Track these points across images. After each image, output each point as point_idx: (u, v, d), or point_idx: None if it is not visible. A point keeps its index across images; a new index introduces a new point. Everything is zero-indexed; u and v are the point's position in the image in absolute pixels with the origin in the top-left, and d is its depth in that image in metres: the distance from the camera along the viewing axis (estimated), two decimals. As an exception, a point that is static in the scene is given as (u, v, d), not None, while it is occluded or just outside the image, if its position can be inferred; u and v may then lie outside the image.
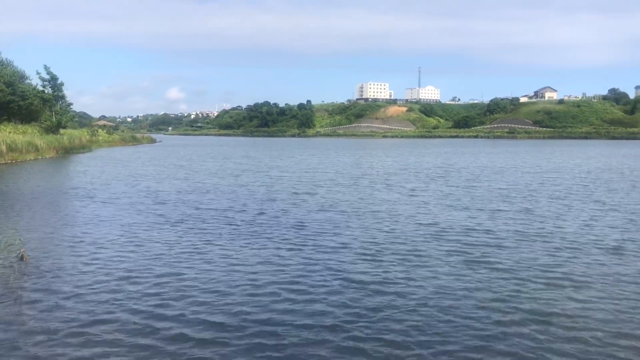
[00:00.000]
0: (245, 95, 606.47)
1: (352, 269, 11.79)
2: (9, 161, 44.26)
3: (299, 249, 13.64)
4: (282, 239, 14.82)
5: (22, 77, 76.75)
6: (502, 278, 11.09)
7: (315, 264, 12.18)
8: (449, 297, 9.92)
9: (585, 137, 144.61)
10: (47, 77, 72.02)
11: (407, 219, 18.07)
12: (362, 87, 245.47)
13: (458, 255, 13.02)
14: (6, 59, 74.55)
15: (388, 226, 16.72)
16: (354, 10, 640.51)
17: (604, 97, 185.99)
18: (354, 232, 15.87)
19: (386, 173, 36.67)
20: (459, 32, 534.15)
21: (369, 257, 12.81)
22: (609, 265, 12.08)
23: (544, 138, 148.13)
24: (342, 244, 14.28)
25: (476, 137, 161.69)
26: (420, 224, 17.07)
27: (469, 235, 15.24)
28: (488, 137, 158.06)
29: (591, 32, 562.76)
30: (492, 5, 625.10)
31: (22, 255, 12.43)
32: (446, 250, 13.46)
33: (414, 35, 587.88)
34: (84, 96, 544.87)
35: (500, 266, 12.00)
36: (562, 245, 14.01)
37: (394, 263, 12.29)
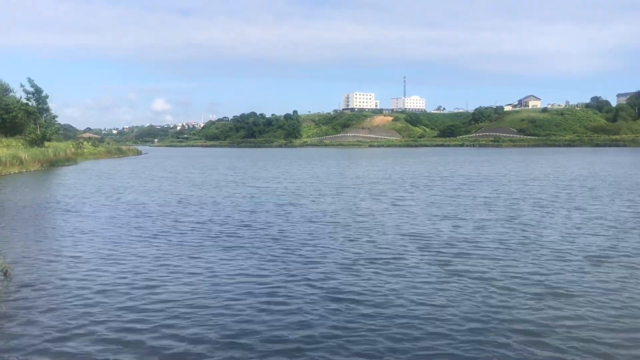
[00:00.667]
0: (231, 106, 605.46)
1: (332, 281, 11.79)
2: (-8, 174, 43.85)
3: (280, 261, 13.63)
4: (263, 251, 14.79)
5: (6, 90, 76.26)
6: (484, 288, 11.14)
7: (295, 276, 12.17)
8: (430, 308, 9.94)
9: (569, 145, 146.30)
10: (31, 89, 71.73)
11: (389, 228, 18.13)
12: (348, 97, 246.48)
13: (439, 265, 13.06)
14: (-11, 72, 74.24)
15: (370, 236, 16.76)
16: (338, 21, 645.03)
17: (587, 105, 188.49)
18: (336, 242, 15.89)
19: (371, 182, 36.84)
20: (443, 42, 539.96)
21: (349, 268, 12.82)
22: (592, 274, 12.16)
23: (528, 146, 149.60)
24: (323, 255, 14.28)
25: (462, 145, 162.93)
26: (402, 233, 17.14)
27: (452, 246, 15.29)
28: (473, 146, 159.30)
29: (573, 41, 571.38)
30: (476, 16, 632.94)
31: (5, 270, 12.35)
32: (428, 260, 13.50)
33: (399, 45, 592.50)
34: (69, 108, 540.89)
35: (483, 276, 12.05)
36: (545, 254, 14.11)
37: (375, 273, 12.32)
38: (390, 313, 9.67)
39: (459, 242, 15.77)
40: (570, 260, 13.39)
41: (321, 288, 11.22)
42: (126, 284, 11.62)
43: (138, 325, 9.13)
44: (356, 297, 10.56)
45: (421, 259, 13.65)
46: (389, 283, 11.54)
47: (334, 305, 10.12)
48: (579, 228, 17.98)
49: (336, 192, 30.74)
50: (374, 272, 12.42)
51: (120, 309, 9.97)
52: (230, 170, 54.74)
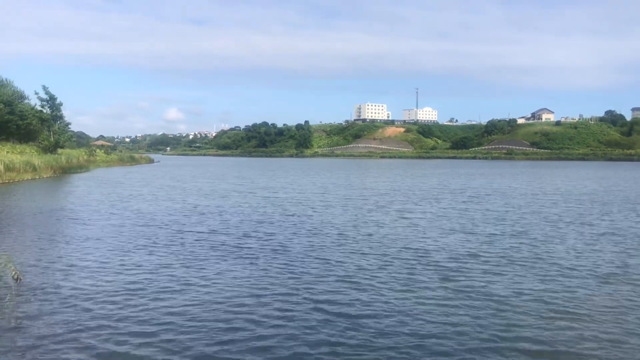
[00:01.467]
0: (243, 115, 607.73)
1: (333, 296, 11.72)
2: (7, 181, 44.35)
3: (282, 274, 13.59)
4: (265, 263, 14.75)
5: (21, 97, 77.36)
6: (489, 305, 11.03)
7: (296, 290, 12.09)
8: (433, 326, 9.83)
9: (583, 159, 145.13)
10: (45, 97, 72.67)
11: (394, 242, 18.00)
12: (359, 108, 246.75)
13: (444, 280, 12.95)
14: (6, 79, 75.34)
15: (375, 250, 16.65)
16: (350, 32, 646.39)
17: (601, 119, 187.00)
18: (340, 256, 15.82)
19: (379, 194, 36.75)
20: (456, 54, 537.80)
21: (352, 283, 12.73)
22: (601, 293, 11.97)
23: (541, 159, 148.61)
24: (326, 269, 14.17)
25: (474, 158, 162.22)
26: (408, 247, 17.03)
27: (456, 260, 15.16)
28: (486, 158, 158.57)
29: (587, 54, 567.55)
30: (488, 28, 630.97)
31: (17, 276, 12.49)
32: (433, 277, 13.37)
33: (411, 57, 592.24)
34: (82, 116, 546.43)
35: (490, 293, 11.91)
36: (552, 272, 13.93)
37: (377, 288, 12.23)
38: (391, 330, 9.58)
39: (464, 257, 15.63)
40: (578, 278, 13.21)
41: (322, 305, 11.13)
42: (134, 292, 11.67)
43: (146, 338, 9.15)
44: (357, 312, 10.49)
45: (426, 274, 13.54)
46: (394, 299, 11.44)
47: (333, 319, 10.06)
48: (589, 245, 17.75)
49: (344, 203, 30.67)
50: (376, 287, 12.33)
51: (127, 317, 10.03)
52: (239, 179, 54.89)
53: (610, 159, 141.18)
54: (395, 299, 11.43)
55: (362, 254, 16.08)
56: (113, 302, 10.98)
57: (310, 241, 18.15)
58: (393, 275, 13.46)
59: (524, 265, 14.62)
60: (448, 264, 14.76)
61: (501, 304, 11.04)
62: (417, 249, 16.86)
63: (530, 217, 24.47)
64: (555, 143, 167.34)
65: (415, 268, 14.22)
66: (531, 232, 20.16)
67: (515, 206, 29.30)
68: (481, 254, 16.10)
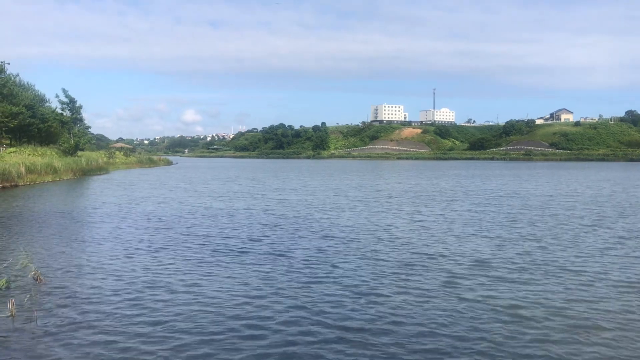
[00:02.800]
0: (260, 117, 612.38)
1: (338, 304, 11.60)
2: (28, 183, 45.27)
3: (288, 280, 13.59)
4: (271, 268, 14.74)
5: (42, 100, 78.86)
6: (497, 317, 10.89)
7: (301, 297, 12.06)
8: (444, 338, 9.59)
9: (602, 160, 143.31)
10: (65, 100, 73.71)
11: (404, 246, 17.81)
12: (376, 109, 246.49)
13: (453, 288, 12.73)
14: (27, 83, 76.84)
15: (385, 254, 16.52)
16: (366, 33, 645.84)
17: (621, 119, 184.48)
18: (348, 260, 15.75)
19: (391, 196, 36.75)
20: (473, 54, 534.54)
21: (360, 289, 12.66)
22: (618, 302, 11.71)
23: (560, 160, 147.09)
24: (334, 274, 14.00)
25: (492, 159, 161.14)
26: (417, 252, 16.83)
27: (470, 268, 14.87)
28: (504, 159, 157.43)
29: (606, 54, 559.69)
30: (504, 28, 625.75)
31: (37, 276, 12.90)
32: (442, 283, 12.95)
33: (428, 57, 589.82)
34: (101, 118, 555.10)
35: (501, 302, 11.64)
36: (568, 279, 13.59)
37: (386, 297, 12.14)
38: (401, 341, 9.58)
39: (476, 262, 15.44)
40: (595, 287, 12.93)
41: (325, 312, 11.14)
42: (152, 293, 11.95)
43: (161, 338, 9.42)
44: (365, 319, 10.56)
45: (435, 282, 13.40)
46: (403, 306, 11.40)
47: (340, 333, 10.13)
48: (606, 252, 17.59)
49: (356, 205, 30.75)
50: (385, 293, 12.32)
51: (144, 317, 10.31)
52: (253, 182, 55.25)
53: (631, 160, 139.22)
54: (404, 306, 11.43)
55: (372, 258, 16.12)
56: (132, 303, 11.23)
57: (318, 244, 18.27)
58: (401, 280, 13.47)
59: (536, 272, 14.57)
60: (458, 269, 14.62)
61: (513, 313, 11.01)
62: (427, 253, 16.64)
63: (547, 222, 24.30)
64: (574, 144, 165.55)
65: (425, 273, 14.13)
66: (545, 237, 20.06)
67: (531, 208, 29.08)
68: (492, 259, 16.06)
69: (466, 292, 12.13)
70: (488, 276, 13.57)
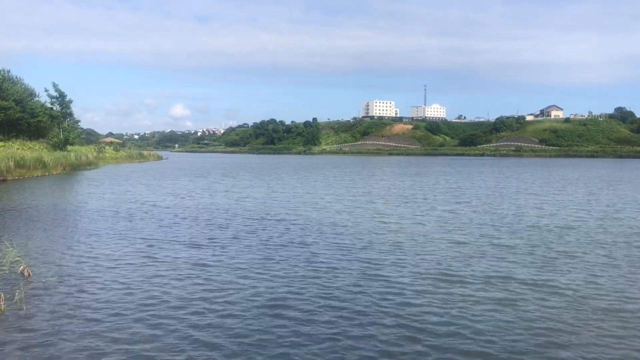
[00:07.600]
0: (249, 112, 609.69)
1: (319, 306, 11.09)
2: (17, 177, 44.92)
3: (270, 280, 13.35)
4: (251, 269, 14.29)
5: (32, 94, 77.95)
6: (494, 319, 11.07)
7: (280, 300, 11.32)
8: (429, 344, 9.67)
9: (592, 156, 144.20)
10: (55, 94, 73.12)
11: (392, 247, 17.50)
12: (367, 105, 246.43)
13: (439, 294, 12.23)
14: (16, 77, 75.81)
15: (368, 255, 15.88)
16: (355, 29, 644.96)
17: (611, 116, 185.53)
18: (330, 260, 15.47)
19: (380, 196, 36.83)
20: (462, 51, 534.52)
21: (341, 296, 11.88)
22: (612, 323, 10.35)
23: (550, 157, 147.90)
24: (315, 276, 13.47)
25: (482, 155, 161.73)
26: (405, 254, 16.90)
27: (455, 276, 14.16)
28: (494, 155, 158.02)
29: (595, 50, 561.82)
30: (492, 25, 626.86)
31: (24, 270, 12.81)
32: (423, 289, 12.13)
33: (417, 53, 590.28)
34: (89, 113, 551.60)
35: (501, 313, 11.17)
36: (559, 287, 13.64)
37: (371, 300, 11.57)
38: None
39: (466, 275, 15.45)
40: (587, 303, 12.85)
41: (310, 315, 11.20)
42: (141, 288, 11.90)
43: (152, 332, 9.40)
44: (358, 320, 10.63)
45: (420, 286, 13.26)
46: (386, 312, 11.43)
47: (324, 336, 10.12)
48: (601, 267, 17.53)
49: (341, 205, 30.72)
50: (369, 296, 12.26)
51: (133, 312, 10.27)
52: (242, 179, 55.08)
53: (620, 156, 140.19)
54: (397, 309, 11.46)
55: (356, 259, 16.15)
56: (122, 296, 11.24)
57: (303, 243, 18.29)
58: (386, 284, 13.45)
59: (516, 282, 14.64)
60: (444, 275, 14.49)
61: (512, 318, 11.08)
62: (414, 253, 16.78)
63: (530, 217, 24.43)
64: (564, 140, 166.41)
65: (408, 275, 14.26)
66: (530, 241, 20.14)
67: (523, 206, 29.24)
68: (463, 270, 16.16)
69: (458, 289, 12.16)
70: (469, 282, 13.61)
